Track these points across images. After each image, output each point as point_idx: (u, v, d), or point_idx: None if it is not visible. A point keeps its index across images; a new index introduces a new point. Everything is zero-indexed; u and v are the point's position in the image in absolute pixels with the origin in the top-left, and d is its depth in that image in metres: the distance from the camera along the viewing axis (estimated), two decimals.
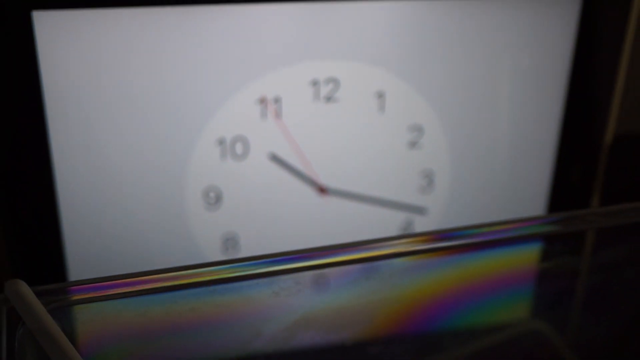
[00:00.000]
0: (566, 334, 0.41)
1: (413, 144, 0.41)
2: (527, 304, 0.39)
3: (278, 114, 0.39)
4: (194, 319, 0.29)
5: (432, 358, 0.39)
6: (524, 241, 0.32)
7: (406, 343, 0.37)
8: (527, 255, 0.35)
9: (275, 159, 0.40)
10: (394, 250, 0.30)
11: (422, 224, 0.43)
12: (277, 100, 0.38)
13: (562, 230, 0.32)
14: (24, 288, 0.26)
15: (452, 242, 0.30)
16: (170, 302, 0.28)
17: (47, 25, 0.34)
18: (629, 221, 0.32)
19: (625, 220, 0.32)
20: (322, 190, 0.41)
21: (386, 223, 0.43)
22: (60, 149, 0.37)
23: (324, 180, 0.41)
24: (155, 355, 0.30)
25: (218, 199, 0.40)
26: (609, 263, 0.36)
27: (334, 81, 0.39)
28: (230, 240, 0.41)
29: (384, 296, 0.33)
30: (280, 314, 0.32)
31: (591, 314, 0.40)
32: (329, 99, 0.39)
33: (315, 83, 0.38)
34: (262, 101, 0.33)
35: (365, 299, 0.33)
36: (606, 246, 0.35)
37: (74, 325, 0.27)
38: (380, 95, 0.40)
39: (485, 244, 0.31)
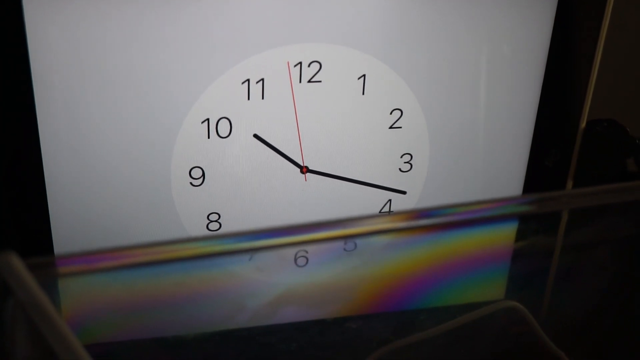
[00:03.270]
0: (539, 312, 0.43)
1: (393, 127, 0.42)
2: (502, 282, 0.40)
3: (262, 96, 0.39)
4: (179, 292, 0.30)
5: (410, 334, 0.40)
6: (500, 220, 0.33)
7: (385, 319, 0.38)
8: (503, 234, 0.36)
9: (259, 139, 0.40)
10: (375, 227, 0.31)
11: (401, 205, 0.44)
12: (260, 82, 0.39)
13: (537, 210, 0.33)
14: (15, 260, 0.26)
15: (430, 220, 0.31)
16: (156, 276, 0.29)
17: (35, 2, 0.34)
18: (600, 203, 0.33)
19: (597, 202, 0.34)
20: (304, 170, 0.42)
21: (366, 203, 0.44)
22: (46, 127, 0.37)
23: (306, 160, 0.42)
24: (142, 327, 0.31)
25: (202, 177, 0.40)
26: (581, 243, 0.38)
27: (317, 64, 0.39)
28: (213, 217, 0.42)
29: (365, 273, 0.34)
30: (263, 289, 0.33)
31: (563, 293, 0.42)
32: (311, 81, 0.40)
33: (298, 65, 0.39)
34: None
35: (346, 275, 0.34)
36: (579, 227, 0.36)
37: (63, 297, 0.28)
38: (362, 78, 0.40)
39: (463, 222, 0.32)
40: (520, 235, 0.36)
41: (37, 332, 0.26)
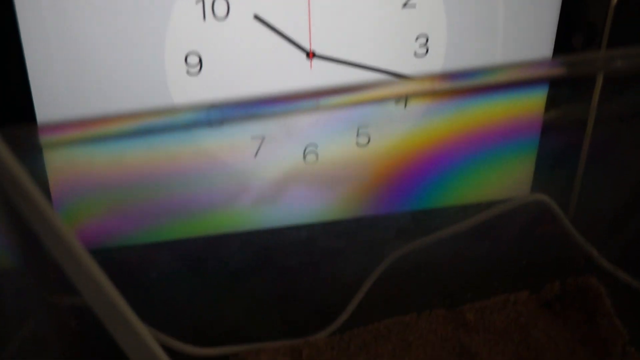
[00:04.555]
0: (568, 205, 0.40)
1: (406, 5, 0.39)
2: (529, 172, 0.37)
3: None
4: (173, 168, 0.27)
5: (432, 230, 0.37)
6: (529, 85, 0.29)
7: (402, 216, 0.35)
8: (532, 107, 0.32)
9: (260, 20, 0.37)
10: (391, 91, 0.28)
11: None
12: None
13: (570, 73, 0.30)
14: None
15: (452, 83, 0.28)
16: (147, 147, 0.26)
17: None
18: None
19: (636, 65, 0.30)
20: (310, 55, 0.38)
21: None
22: (28, 13, 0.34)
23: (312, 44, 0.38)
24: (131, 206, 0.28)
25: (200, 65, 0.37)
26: (616, 116, 0.34)
27: None
28: None
29: (379, 146, 0.31)
30: (266, 166, 0.29)
31: (594, 181, 0.39)
32: None
33: None
34: None
35: (358, 149, 0.31)
36: (613, 97, 0.33)
37: (45, 170, 0.25)
38: None
39: (488, 87, 0.29)
40: (549, 106, 0.32)
41: (18, 213, 0.23)
